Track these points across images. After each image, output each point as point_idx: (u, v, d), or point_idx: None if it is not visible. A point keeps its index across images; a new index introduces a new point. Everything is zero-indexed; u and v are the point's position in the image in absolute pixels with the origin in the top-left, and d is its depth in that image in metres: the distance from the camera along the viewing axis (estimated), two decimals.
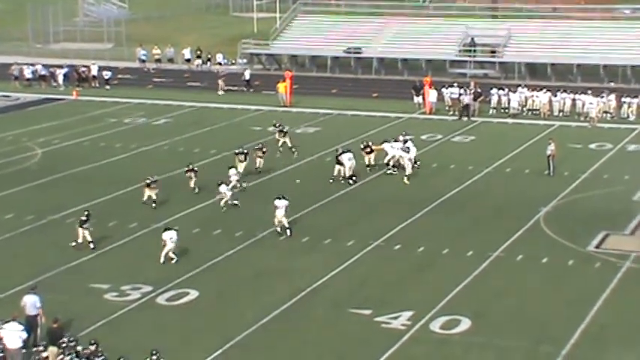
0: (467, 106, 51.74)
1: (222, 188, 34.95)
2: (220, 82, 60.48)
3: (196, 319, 25.61)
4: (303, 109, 54.63)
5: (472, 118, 51.32)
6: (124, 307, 26.25)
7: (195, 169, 37.17)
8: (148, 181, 34.99)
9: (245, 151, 38.86)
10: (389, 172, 39.71)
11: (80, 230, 30.66)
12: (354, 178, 38.36)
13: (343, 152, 38.79)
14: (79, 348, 21.08)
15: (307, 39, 70.66)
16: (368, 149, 39.99)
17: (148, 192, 34.91)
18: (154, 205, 34.52)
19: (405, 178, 38.49)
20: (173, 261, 29.54)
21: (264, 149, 39.61)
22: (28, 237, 32.19)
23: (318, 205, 35.81)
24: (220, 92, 59.52)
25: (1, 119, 52.18)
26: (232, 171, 36.68)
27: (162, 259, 29.63)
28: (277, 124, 44.54)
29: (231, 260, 30.18)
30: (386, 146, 40.11)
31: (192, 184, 36.72)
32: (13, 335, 22.00)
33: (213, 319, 25.57)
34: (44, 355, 20.88)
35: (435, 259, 30.25)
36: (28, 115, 53.57)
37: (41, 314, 23.68)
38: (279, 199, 32.17)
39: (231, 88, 60.49)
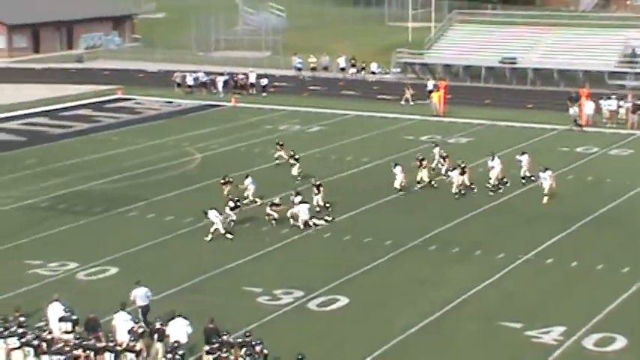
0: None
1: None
2: (407, 91, 59.00)
3: (346, 325, 25.94)
4: (455, 119, 54.42)
5: (631, 131, 49.97)
6: (275, 311, 26.86)
7: (230, 180, 36.61)
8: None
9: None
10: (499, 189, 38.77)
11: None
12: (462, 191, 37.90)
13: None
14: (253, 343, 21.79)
15: (462, 49, 70.29)
16: (419, 163, 39.09)
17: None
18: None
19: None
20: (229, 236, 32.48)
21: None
22: (187, 239, 33.31)
23: (468, 216, 35.65)
24: (403, 102, 58.18)
25: (163, 125, 54.13)
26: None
27: (209, 237, 32.45)
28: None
29: (381, 268, 30.41)
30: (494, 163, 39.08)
31: (225, 193, 36.08)
32: (180, 330, 22.89)
33: (363, 327, 25.84)
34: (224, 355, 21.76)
35: (589, 274, 29.64)
36: (188, 120, 55.39)
37: (149, 305, 25.18)
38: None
39: (385, 96, 60.76)
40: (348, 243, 32.81)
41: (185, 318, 23.27)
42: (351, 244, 32.74)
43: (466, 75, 68.34)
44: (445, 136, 49.93)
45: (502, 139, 49.11)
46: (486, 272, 29.66)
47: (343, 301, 27.54)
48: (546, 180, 37.56)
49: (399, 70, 71.18)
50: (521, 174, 39.60)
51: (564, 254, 31.26)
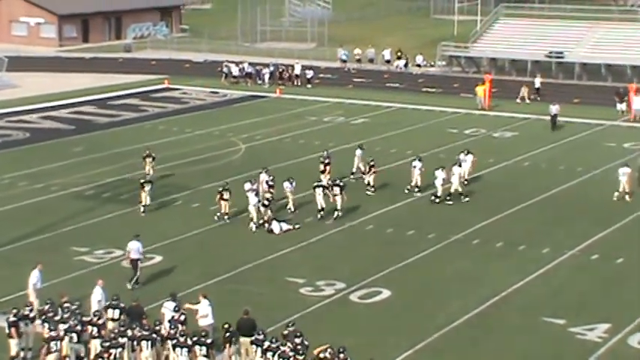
0: (554, 116, 49.65)
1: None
2: (523, 89, 57.36)
3: (387, 318, 25.98)
4: (500, 113, 54.13)
5: None
6: (318, 302, 26.95)
7: (226, 191, 33.99)
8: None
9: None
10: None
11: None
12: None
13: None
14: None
15: (507, 42, 69.88)
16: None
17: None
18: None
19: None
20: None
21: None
22: (230, 229, 33.42)
23: (512, 210, 35.50)
24: (519, 100, 56.58)
25: (209, 114, 54.44)
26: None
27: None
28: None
29: (424, 262, 30.41)
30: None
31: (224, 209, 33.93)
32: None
33: (405, 320, 25.86)
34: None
35: (635, 270, 29.37)
36: (234, 111, 55.64)
37: (142, 259, 27.87)
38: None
39: (429, 89, 60.60)
40: (390, 236, 32.83)
41: (206, 298, 23.66)
42: (393, 236, 32.74)
43: (512, 68, 67.90)
44: (490, 130, 49.72)
45: (547, 133, 48.79)
46: (530, 267, 29.54)
47: (385, 293, 27.57)
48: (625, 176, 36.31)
49: (444, 63, 70.92)
50: (464, 175, 37.80)
51: (610, 250, 31.05)
